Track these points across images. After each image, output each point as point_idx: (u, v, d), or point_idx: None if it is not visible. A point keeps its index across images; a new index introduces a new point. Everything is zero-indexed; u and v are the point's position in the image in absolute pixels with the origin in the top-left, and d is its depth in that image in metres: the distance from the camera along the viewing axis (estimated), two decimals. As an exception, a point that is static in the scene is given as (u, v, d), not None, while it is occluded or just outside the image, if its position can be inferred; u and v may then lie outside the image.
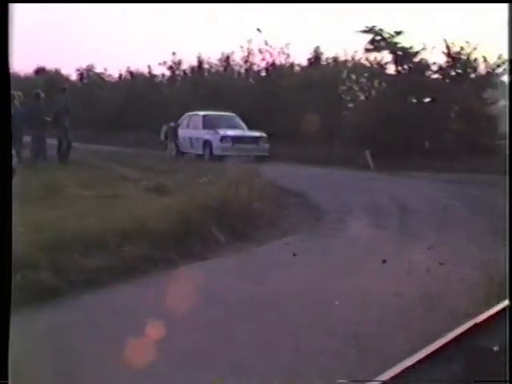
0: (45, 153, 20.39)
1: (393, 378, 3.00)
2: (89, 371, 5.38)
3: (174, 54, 36.48)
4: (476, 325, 3.61)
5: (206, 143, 25.79)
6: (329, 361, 4.86)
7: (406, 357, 3.25)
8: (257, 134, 25.91)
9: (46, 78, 39.28)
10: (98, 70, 40.54)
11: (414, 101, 27.22)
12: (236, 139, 25.37)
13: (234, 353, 5.78)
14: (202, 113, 27.33)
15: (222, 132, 25.48)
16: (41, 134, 20.26)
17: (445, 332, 3.63)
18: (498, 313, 4.00)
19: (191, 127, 27.37)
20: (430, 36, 42.66)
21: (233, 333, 6.44)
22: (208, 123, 26.52)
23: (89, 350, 5.81)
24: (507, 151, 5.43)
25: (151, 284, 8.46)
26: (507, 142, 4.90)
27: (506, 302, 4.12)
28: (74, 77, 40.94)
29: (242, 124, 27.15)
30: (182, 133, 27.59)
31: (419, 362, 3.19)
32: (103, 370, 5.35)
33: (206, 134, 25.93)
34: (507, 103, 4.99)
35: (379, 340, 4.74)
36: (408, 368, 3.11)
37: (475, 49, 26.72)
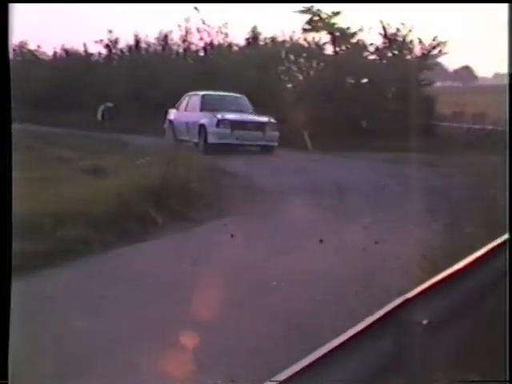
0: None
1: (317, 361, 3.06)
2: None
3: (110, 32, 36.01)
4: (407, 300, 3.70)
5: (201, 129, 21.65)
6: (259, 340, 4.93)
7: (338, 334, 3.33)
8: (263, 119, 22.02)
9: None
10: (32, 47, 39.82)
11: (352, 81, 27.49)
12: (236, 124, 21.43)
13: (167, 334, 5.81)
14: (201, 92, 23.32)
15: (220, 115, 21.40)
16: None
17: (377, 308, 3.71)
18: (429, 288, 4.10)
19: (189, 109, 23.28)
20: (367, 17, 43.04)
21: (168, 314, 6.48)
22: (207, 104, 22.56)
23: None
24: (507, 151, 5.54)
25: (86, 267, 8.42)
26: (507, 141, 4.99)
27: (435, 279, 4.23)
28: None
29: (250, 108, 23.28)
30: (179, 116, 23.48)
31: (348, 340, 3.26)
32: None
33: (203, 118, 21.81)
34: (507, 103, 5.07)
35: (313, 318, 4.81)
36: (336, 348, 3.18)
37: (410, 31, 27.09)
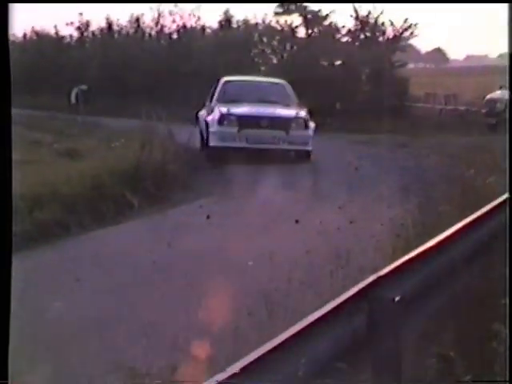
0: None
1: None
2: None
3: (81, 14, 35.69)
4: (379, 277, 3.76)
5: (206, 127, 16.76)
6: (239, 319, 4.98)
7: (312, 311, 3.39)
8: (289, 112, 16.58)
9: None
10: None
11: (326, 63, 27.58)
12: (246, 120, 16.02)
13: (144, 316, 5.86)
14: (225, 78, 18.21)
15: (226, 108, 16.22)
16: None
17: (351, 286, 3.78)
18: (401, 265, 4.18)
19: (212, 101, 17.71)
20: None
21: (144, 295, 6.53)
22: (227, 94, 17.32)
23: None
24: (507, 151, 5.59)
25: (63, 249, 8.45)
26: (507, 141, 5.04)
27: (407, 257, 4.30)
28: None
29: (292, 98, 17.71)
30: (203, 112, 18.00)
31: (323, 316, 3.32)
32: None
33: (212, 113, 16.69)
34: (508, 102, 5.16)
35: (289, 296, 4.88)
36: (312, 323, 3.24)
37: (382, 13, 27.22)
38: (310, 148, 16.03)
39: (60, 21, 37.63)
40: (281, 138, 15.92)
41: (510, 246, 3.32)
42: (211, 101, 17.36)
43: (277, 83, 18.59)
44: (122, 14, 36.98)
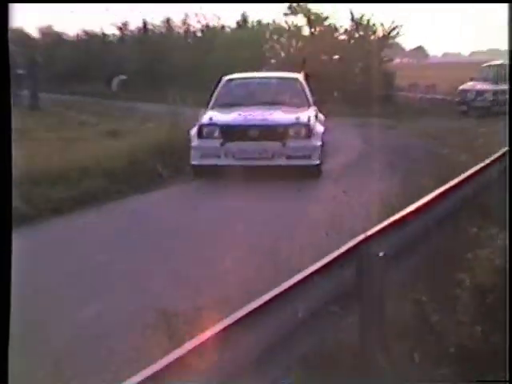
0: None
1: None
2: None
3: (121, 17, 35.74)
4: (367, 237, 3.79)
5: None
6: (249, 272, 5.02)
7: (310, 265, 3.43)
8: (288, 117, 11.23)
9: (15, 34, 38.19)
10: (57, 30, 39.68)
11: (325, 57, 27.59)
12: (232, 131, 11.01)
13: (174, 266, 5.92)
14: (228, 76, 12.83)
15: (207, 117, 11.29)
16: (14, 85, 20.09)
17: (343, 244, 3.81)
18: (386, 227, 4.20)
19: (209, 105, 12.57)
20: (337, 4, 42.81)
21: (173, 249, 6.60)
22: (228, 96, 12.23)
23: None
24: (507, 150, 5.58)
25: (105, 210, 8.57)
26: (507, 140, 5.03)
27: (391, 219, 4.33)
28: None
29: (303, 95, 12.42)
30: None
31: (319, 268, 3.36)
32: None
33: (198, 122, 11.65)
34: (507, 102, 5.09)
35: (292, 255, 4.92)
36: (311, 274, 3.28)
37: (373, 15, 27.37)
38: (316, 161, 10.73)
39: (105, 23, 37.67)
40: (276, 152, 10.67)
41: (510, 241, 3.30)
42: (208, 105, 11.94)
43: (288, 78, 13.17)
44: (155, 16, 36.87)
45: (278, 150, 10.68)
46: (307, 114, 11.20)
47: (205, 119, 11.09)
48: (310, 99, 12.34)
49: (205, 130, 10.95)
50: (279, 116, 11.21)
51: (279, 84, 12.87)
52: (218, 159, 10.74)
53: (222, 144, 10.76)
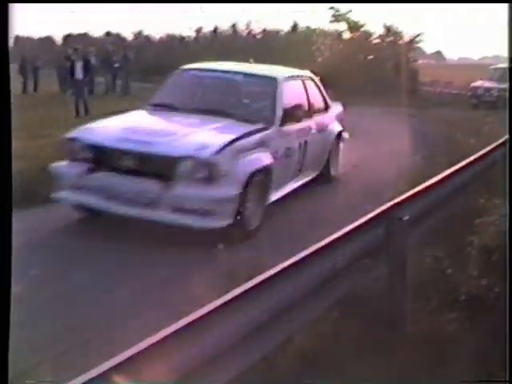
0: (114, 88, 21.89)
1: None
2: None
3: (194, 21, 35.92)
4: (394, 204, 3.72)
5: None
6: (291, 237, 4.94)
7: (348, 224, 3.37)
8: (191, 144, 5.27)
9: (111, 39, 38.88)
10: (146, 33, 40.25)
11: (362, 57, 27.80)
12: (102, 153, 5.40)
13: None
14: (184, 66, 7.66)
15: (77, 131, 5.75)
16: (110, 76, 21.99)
17: (373, 209, 3.74)
18: (409, 196, 4.12)
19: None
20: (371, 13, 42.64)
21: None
22: (169, 93, 6.91)
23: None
24: (507, 150, 5.43)
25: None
26: (507, 129, 4.89)
27: (415, 190, 4.23)
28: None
29: (275, 107, 6.25)
30: None
31: (354, 228, 3.30)
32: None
33: None
34: (507, 101, 4.91)
35: (332, 217, 4.87)
36: (348, 232, 3.23)
37: (400, 23, 27.16)
38: (223, 222, 5.12)
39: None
40: (156, 198, 5.15)
41: (511, 240, 3.22)
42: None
43: (265, 77, 6.84)
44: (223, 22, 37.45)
45: (160, 195, 5.14)
46: (229, 140, 5.37)
47: (72, 134, 5.73)
48: (298, 109, 6.71)
49: (67, 148, 5.64)
50: (182, 140, 5.38)
51: (248, 84, 6.78)
52: (83, 196, 5.43)
53: (88, 173, 5.43)
